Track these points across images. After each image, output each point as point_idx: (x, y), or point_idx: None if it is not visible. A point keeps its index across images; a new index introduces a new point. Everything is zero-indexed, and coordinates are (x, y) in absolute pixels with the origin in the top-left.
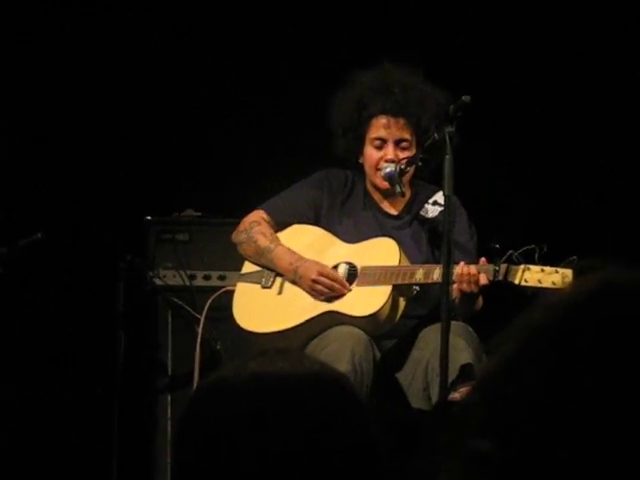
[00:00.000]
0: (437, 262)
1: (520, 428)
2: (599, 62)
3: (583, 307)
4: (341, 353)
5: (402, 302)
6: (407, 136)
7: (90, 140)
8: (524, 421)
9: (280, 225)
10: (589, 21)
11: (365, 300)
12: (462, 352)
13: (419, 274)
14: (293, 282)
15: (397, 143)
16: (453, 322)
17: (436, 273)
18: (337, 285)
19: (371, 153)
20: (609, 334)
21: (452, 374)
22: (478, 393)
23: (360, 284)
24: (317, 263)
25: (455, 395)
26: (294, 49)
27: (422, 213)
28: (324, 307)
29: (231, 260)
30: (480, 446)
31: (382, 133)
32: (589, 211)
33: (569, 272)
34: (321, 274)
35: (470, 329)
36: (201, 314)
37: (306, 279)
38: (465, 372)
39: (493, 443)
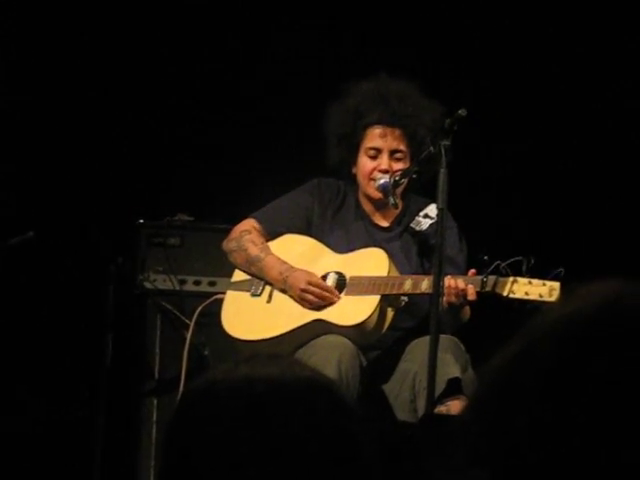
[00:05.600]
0: (426, 274)
1: (519, 450)
2: (593, 74)
3: (593, 320)
4: (327, 362)
5: (390, 313)
6: (402, 147)
7: (83, 142)
8: (523, 443)
9: (271, 234)
10: (589, 42)
11: (353, 309)
12: (450, 366)
13: (407, 285)
14: (282, 291)
15: (392, 154)
16: (442, 335)
17: (424, 284)
18: (327, 293)
19: (365, 163)
20: (619, 348)
21: (439, 387)
22: (472, 412)
23: (348, 293)
24: (306, 273)
25: (442, 408)
26: (291, 57)
27: (413, 225)
28: (312, 316)
29: (222, 266)
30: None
31: (377, 143)
32: (576, 223)
33: (556, 284)
34: (310, 283)
35: (458, 342)
36: (190, 319)
37: (295, 288)
38: (452, 386)
39: (488, 472)
